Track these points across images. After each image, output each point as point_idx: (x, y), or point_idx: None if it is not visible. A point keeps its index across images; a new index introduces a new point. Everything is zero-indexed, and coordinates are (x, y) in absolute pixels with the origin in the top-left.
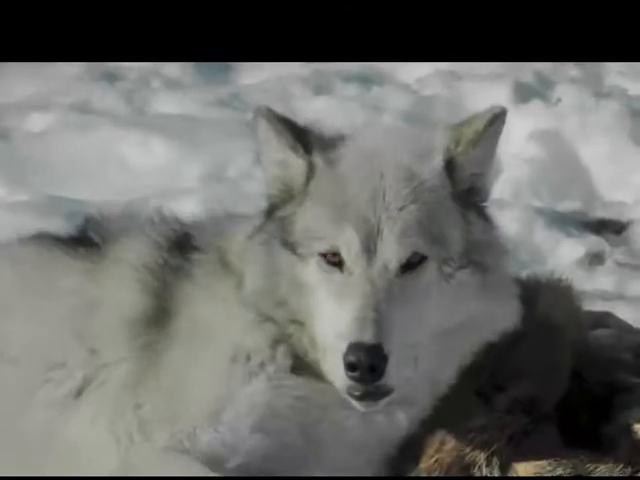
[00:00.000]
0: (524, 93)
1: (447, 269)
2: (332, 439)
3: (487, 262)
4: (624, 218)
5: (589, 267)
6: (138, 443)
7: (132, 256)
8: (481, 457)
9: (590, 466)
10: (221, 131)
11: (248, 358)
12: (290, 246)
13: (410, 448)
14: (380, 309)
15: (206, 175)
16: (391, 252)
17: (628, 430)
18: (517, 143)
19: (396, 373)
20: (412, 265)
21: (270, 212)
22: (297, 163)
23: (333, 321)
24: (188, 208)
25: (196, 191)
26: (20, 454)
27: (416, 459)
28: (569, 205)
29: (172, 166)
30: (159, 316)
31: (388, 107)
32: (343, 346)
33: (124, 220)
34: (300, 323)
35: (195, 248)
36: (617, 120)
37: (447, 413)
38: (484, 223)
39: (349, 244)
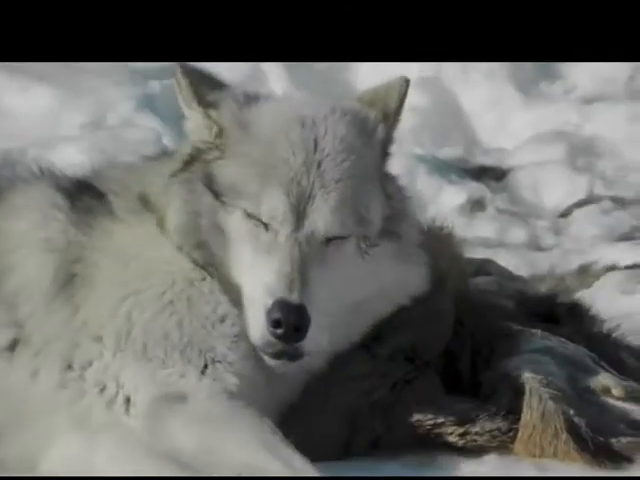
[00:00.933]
0: None
1: (363, 246)
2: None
3: (400, 231)
4: (504, 165)
5: (470, 214)
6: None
7: (32, 202)
8: (364, 405)
9: (471, 413)
10: (103, 78)
11: (186, 280)
12: (213, 191)
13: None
14: (306, 272)
15: (88, 123)
16: (322, 222)
17: (508, 377)
18: None
19: (314, 338)
20: (336, 237)
21: (188, 162)
22: (196, 118)
23: (256, 275)
24: (69, 156)
25: (77, 139)
26: None
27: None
28: (450, 152)
29: (53, 114)
30: (76, 262)
31: None
32: (268, 302)
33: (8, 169)
34: (217, 267)
35: (101, 193)
36: (498, 65)
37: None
38: (399, 193)
39: (277, 206)
